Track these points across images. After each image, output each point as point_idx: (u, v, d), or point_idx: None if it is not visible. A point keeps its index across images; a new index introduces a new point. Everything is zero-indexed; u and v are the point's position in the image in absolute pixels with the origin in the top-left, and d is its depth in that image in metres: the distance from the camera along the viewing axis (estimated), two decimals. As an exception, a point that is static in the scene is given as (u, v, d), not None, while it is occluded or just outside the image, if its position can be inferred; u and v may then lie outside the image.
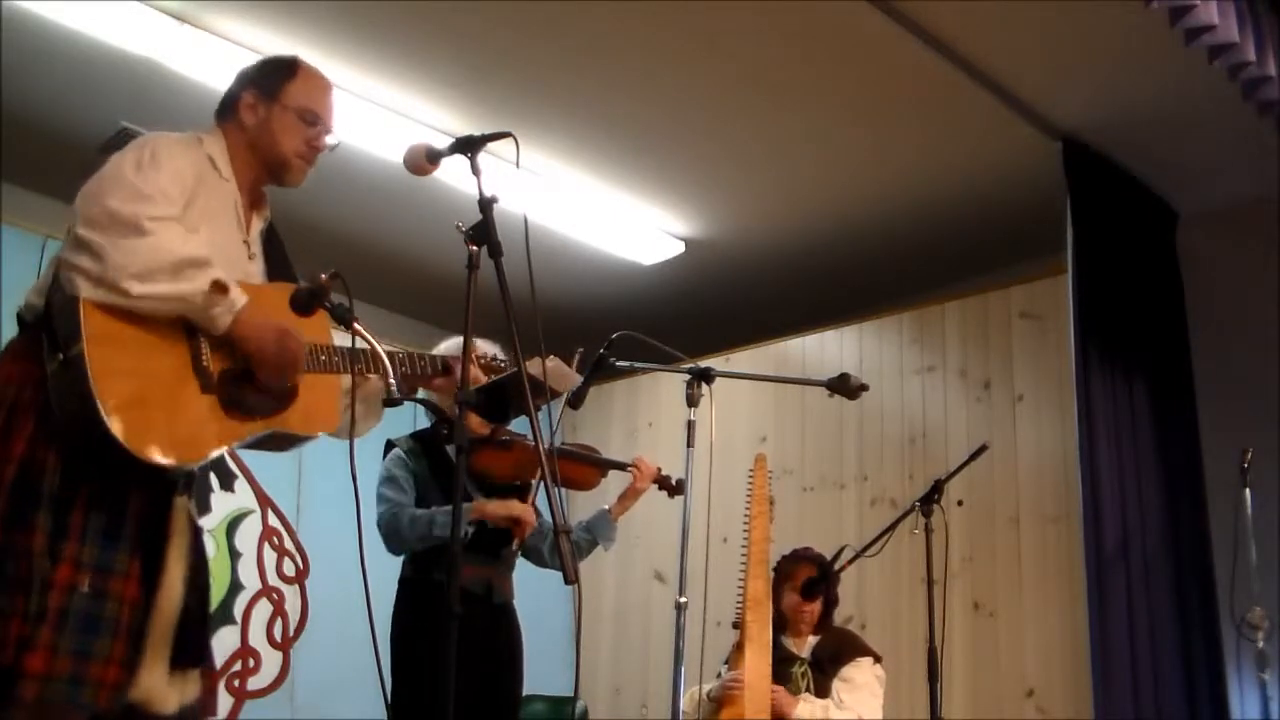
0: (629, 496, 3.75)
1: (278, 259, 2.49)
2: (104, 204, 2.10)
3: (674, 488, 3.69)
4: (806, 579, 3.93)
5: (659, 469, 3.77)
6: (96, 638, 2.05)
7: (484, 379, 2.86)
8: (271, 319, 2.22)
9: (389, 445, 3.63)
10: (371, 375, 2.43)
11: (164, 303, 2.11)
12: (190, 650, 2.22)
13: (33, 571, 1.98)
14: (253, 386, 2.22)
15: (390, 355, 2.42)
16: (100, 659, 2.05)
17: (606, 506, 3.80)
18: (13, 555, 1.99)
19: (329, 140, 2.49)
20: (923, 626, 3.68)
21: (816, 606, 3.99)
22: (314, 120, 2.45)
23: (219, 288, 2.14)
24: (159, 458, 2.08)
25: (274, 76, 2.46)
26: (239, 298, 2.18)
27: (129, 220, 2.09)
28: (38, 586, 1.98)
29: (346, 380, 2.39)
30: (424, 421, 3.81)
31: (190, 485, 2.31)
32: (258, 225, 2.46)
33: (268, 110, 2.42)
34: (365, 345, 2.26)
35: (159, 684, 2.13)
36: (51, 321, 2.08)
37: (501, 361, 2.83)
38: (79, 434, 2.04)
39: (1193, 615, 4.42)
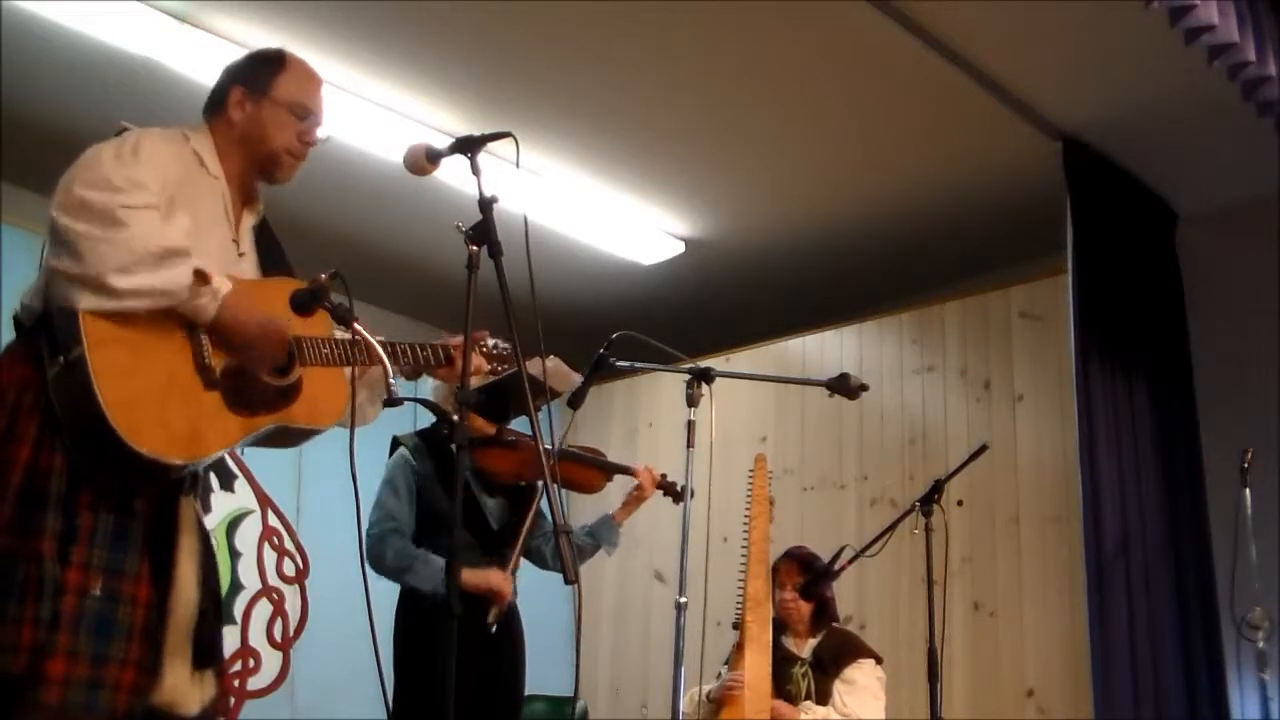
0: (633, 503, 3.76)
1: (272, 254, 2.44)
2: (77, 193, 2.06)
3: (678, 494, 3.69)
4: (797, 579, 3.94)
5: (663, 475, 3.77)
6: (111, 641, 2.04)
7: (487, 367, 2.82)
8: (257, 307, 2.18)
9: (395, 442, 3.63)
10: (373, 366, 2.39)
11: (150, 297, 2.07)
12: (209, 650, 2.22)
13: (43, 576, 1.97)
14: (256, 382, 2.19)
15: (392, 346, 2.40)
16: (116, 662, 2.05)
17: (610, 512, 3.80)
18: (21, 560, 1.97)
19: (319, 134, 2.43)
20: (923, 626, 3.68)
21: (806, 605, 3.99)
22: (304, 114, 2.40)
23: (201, 277, 2.11)
24: (164, 456, 2.06)
25: (262, 70, 2.40)
26: (222, 285, 2.14)
27: (102, 211, 2.04)
28: (49, 591, 1.97)
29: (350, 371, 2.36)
30: (425, 419, 3.80)
31: (196, 485, 2.29)
32: (249, 222, 2.41)
33: (256, 106, 2.36)
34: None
35: (183, 685, 2.13)
36: (50, 325, 2.06)
37: (505, 349, 2.78)
38: (84, 436, 2.03)
39: (1193, 615, 4.42)
